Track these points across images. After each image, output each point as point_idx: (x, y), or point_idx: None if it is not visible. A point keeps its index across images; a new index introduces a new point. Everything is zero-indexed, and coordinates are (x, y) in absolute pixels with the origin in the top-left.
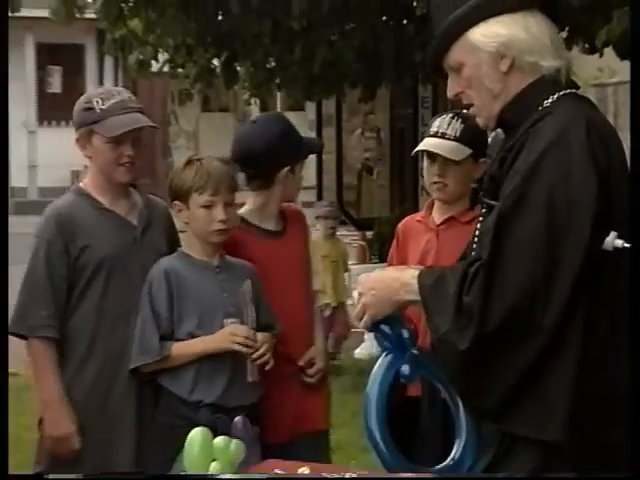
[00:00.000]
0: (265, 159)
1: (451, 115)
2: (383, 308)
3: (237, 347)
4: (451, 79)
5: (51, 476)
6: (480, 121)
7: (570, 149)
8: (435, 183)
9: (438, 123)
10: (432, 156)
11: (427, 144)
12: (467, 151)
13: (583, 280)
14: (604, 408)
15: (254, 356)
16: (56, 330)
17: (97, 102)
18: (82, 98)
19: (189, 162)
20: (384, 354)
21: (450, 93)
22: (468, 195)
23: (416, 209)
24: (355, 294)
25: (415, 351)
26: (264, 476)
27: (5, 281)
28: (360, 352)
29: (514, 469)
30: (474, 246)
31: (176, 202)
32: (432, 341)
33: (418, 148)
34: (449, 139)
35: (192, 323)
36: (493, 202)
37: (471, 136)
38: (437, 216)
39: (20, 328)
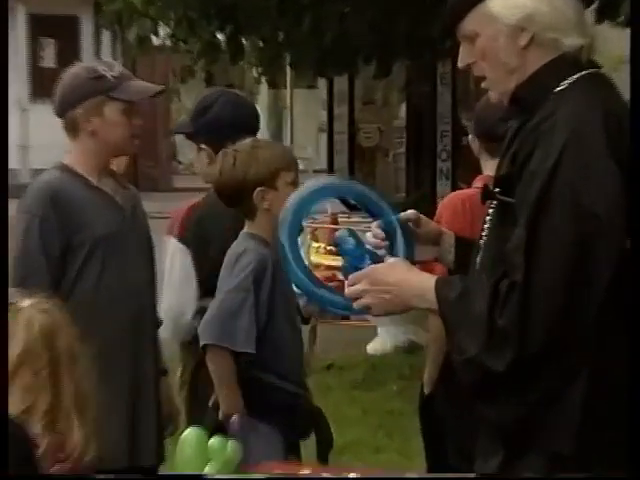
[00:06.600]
0: None
1: None
2: (390, 311)
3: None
4: (463, 48)
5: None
6: (492, 95)
7: (587, 147)
8: None
9: None
10: None
11: None
12: None
13: (610, 290)
14: (608, 418)
15: None
16: None
17: (105, 70)
18: (80, 70)
19: (259, 146)
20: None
21: (461, 63)
22: None
23: (434, 194)
24: (359, 287)
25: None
26: (263, 476)
27: (5, 276)
28: (373, 347)
29: (522, 472)
30: (483, 238)
31: (260, 188)
32: (455, 360)
33: None
34: None
35: (285, 311)
36: (508, 199)
37: None
38: None
39: None
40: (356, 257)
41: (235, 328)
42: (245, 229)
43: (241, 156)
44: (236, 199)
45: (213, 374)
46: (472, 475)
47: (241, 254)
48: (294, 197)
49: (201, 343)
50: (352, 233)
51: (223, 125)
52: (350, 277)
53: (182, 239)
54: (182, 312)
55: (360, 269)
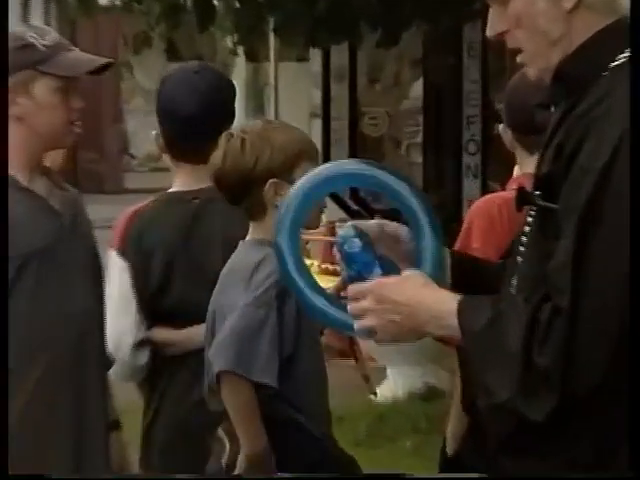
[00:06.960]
0: None
1: None
2: (399, 338)
3: None
4: (493, 13)
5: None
6: (531, 72)
7: None
8: None
9: None
10: None
11: None
12: None
13: None
14: None
15: None
16: None
17: (35, 38)
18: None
19: (273, 128)
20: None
21: (490, 32)
22: None
23: (459, 196)
24: (362, 304)
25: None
26: (262, 476)
27: (5, 281)
28: (381, 393)
29: None
30: (520, 253)
31: (273, 180)
32: (481, 404)
33: None
34: None
35: (310, 335)
36: (551, 205)
37: None
38: None
39: None
40: (363, 264)
41: (253, 352)
42: (251, 235)
43: (251, 139)
44: (241, 193)
45: (229, 408)
46: (472, 475)
47: (259, 263)
48: (300, 183)
49: (215, 370)
50: (359, 232)
51: (167, 114)
52: (350, 289)
53: (123, 252)
54: (118, 345)
55: (367, 280)
